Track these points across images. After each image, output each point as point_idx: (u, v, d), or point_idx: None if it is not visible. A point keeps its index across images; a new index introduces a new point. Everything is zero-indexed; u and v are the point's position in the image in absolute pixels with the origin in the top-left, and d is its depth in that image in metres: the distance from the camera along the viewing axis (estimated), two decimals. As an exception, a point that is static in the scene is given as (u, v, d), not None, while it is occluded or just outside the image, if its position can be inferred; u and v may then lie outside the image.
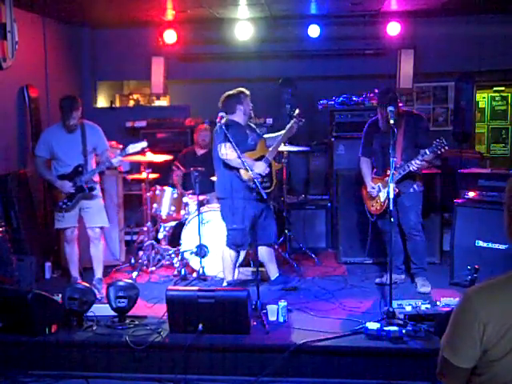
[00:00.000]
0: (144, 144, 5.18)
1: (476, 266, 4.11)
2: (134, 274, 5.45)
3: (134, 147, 5.09)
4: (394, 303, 4.20)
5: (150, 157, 5.66)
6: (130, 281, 4.55)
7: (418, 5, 6.62)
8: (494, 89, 9.84)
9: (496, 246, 4.82)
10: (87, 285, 4.46)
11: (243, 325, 3.94)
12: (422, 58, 7.33)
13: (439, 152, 4.47)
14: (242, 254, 5.22)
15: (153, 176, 5.82)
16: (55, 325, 4.08)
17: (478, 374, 1.74)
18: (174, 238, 5.95)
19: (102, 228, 5.17)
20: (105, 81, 8.24)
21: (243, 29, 7.19)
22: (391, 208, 4.29)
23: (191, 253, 5.48)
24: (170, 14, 6.98)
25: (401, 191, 4.75)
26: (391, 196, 4.31)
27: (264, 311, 4.26)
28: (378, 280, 5.16)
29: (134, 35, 7.57)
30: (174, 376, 3.78)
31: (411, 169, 4.63)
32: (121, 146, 6.13)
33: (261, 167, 4.68)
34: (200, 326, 3.88)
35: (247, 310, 3.91)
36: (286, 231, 6.04)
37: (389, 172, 4.61)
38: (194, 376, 3.81)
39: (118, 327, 4.13)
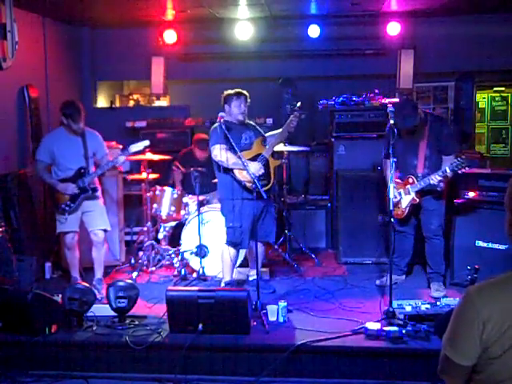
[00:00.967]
0: (146, 143, 5.20)
1: (476, 266, 4.10)
2: (134, 274, 5.45)
3: (136, 146, 5.11)
4: (394, 303, 4.20)
5: (151, 156, 5.66)
6: (130, 281, 4.56)
7: (417, 5, 6.62)
8: (494, 89, 9.85)
9: (496, 246, 4.83)
10: (87, 285, 4.45)
11: (243, 325, 3.94)
12: (422, 58, 7.34)
13: (459, 172, 4.43)
14: (242, 254, 5.22)
15: (153, 176, 5.82)
16: (55, 325, 4.08)
17: (477, 371, 1.76)
18: (174, 238, 5.95)
19: (105, 231, 5.15)
20: (105, 81, 8.24)
21: (243, 29, 7.20)
22: (391, 208, 4.32)
23: (191, 253, 5.48)
24: (170, 14, 6.99)
25: (424, 199, 4.71)
26: (391, 196, 4.34)
27: (264, 311, 4.26)
28: (378, 282, 5.15)
29: (134, 35, 7.57)
30: (173, 376, 3.78)
31: (432, 183, 4.56)
32: (121, 146, 6.14)
33: (255, 167, 4.66)
34: (200, 326, 3.88)
35: (247, 310, 3.91)
36: (286, 231, 6.04)
37: (410, 180, 4.67)
38: (194, 376, 3.81)
39: (117, 327, 4.13)
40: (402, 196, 4.80)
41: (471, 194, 5.06)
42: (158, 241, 5.93)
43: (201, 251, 5.39)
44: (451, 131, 4.95)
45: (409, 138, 4.70)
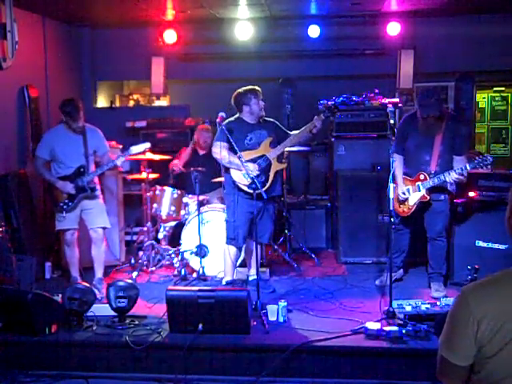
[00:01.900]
0: (147, 145, 5.24)
1: (476, 266, 4.11)
2: (134, 274, 5.45)
3: (137, 148, 5.14)
4: (394, 303, 4.20)
5: (151, 156, 5.66)
6: (130, 281, 4.56)
7: (417, 5, 6.62)
8: (494, 89, 9.85)
9: (496, 245, 4.83)
10: (87, 285, 4.46)
11: (243, 325, 3.94)
12: (422, 57, 7.34)
13: (481, 170, 4.33)
14: (243, 254, 5.22)
15: (153, 176, 5.82)
16: (55, 325, 4.08)
17: (475, 371, 1.75)
18: (174, 238, 5.94)
19: (104, 229, 5.16)
20: (105, 81, 8.24)
21: (243, 29, 7.20)
22: (391, 208, 4.32)
23: (191, 253, 5.47)
24: (170, 14, 6.99)
25: (431, 199, 4.66)
26: (391, 196, 4.33)
27: (264, 311, 4.26)
28: (377, 282, 5.14)
29: (134, 35, 7.57)
30: (173, 376, 3.78)
31: (447, 180, 4.47)
32: (120, 146, 6.14)
33: (250, 168, 4.63)
34: (200, 325, 3.88)
35: (247, 310, 3.91)
36: (286, 231, 6.04)
37: (422, 176, 4.60)
38: (194, 376, 3.81)
39: (117, 327, 4.13)
40: (410, 193, 4.71)
41: (471, 194, 5.06)
42: (158, 241, 5.92)
43: (201, 251, 5.39)
44: (467, 132, 4.87)
45: (424, 133, 4.59)
